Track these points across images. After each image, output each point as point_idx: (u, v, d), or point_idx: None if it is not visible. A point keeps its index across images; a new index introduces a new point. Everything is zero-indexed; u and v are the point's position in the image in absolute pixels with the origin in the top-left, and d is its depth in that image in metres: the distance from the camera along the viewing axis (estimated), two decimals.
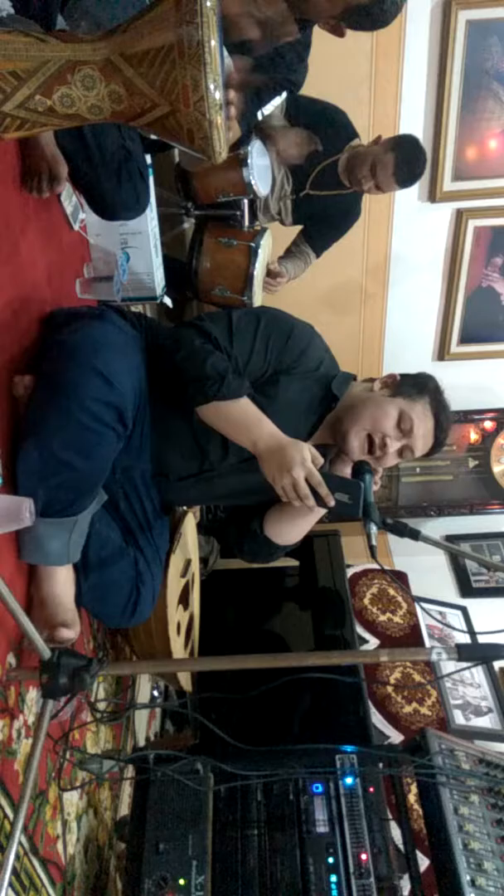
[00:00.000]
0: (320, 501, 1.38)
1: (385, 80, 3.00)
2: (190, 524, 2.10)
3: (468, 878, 1.37)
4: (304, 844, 1.52)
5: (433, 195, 3.27)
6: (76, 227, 1.75)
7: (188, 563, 2.09)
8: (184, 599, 2.03)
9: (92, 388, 1.28)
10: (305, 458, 1.37)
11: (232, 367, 1.47)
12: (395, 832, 1.66)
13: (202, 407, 1.46)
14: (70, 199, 1.68)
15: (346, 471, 1.58)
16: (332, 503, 1.38)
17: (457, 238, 3.41)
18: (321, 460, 1.40)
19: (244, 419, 1.45)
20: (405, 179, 2.51)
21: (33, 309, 1.48)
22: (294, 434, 1.46)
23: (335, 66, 2.65)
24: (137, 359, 1.46)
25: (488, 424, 3.99)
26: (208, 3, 0.86)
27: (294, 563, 3.13)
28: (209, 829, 1.49)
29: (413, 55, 2.96)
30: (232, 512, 1.80)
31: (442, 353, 3.77)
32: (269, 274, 2.67)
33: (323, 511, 1.50)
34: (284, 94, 2.22)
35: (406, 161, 2.47)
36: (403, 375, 1.66)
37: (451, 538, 3.99)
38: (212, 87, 0.89)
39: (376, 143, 2.53)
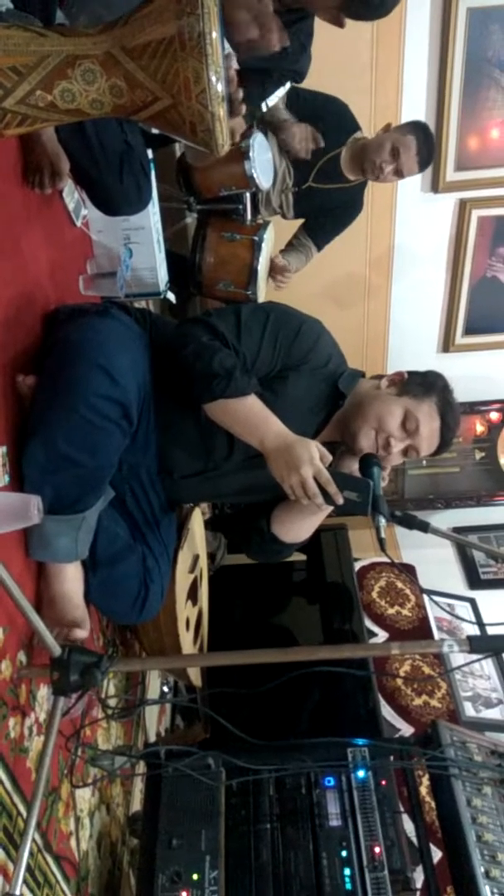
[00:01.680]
0: (329, 500, 1.37)
1: (386, 70, 2.98)
2: (197, 519, 2.10)
3: (482, 869, 1.37)
4: (318, 838, 1.51)
5: (436, 185, 3.25)
6: (79, 223, 1.74)
7: (196, 558, 2.09)
8: (192, 595, 2.03)
9: (96, 385, 1.27)
10: (314, 456, 1.36)
11: (240, 363, 1.46)
12: (408, 825, 1.66)
13: (209, 405, 1.45)
14: (72, 195, 1.67)
15: (354, 467, 1.56)
16: (340, 501, 1.37)
17: (460, 228, 3.39)
18: (329, 458, 1.39)
19: (252, 417, 1.44)
20: (426, 161, 2.52)
21: (37, 306, 1.48)
22: (301, 431, 1.45)
23: (336, 56, 2.63)
24: (142, 355, 1.46)
25: (494, 416, 3.97)
26: None
27: (302, 557, 3.13)
28: (222, 824, 1.49)
29: (414, 44, 2.94)
30: (239, 510, 1.80)
31: (447, 345, 3.75)
32: (276, 269, 2.66)
33: (330, 508, 1.49)
34: (288, 85, 2.21)
35: (426, 142, 2.48)
36: (411, 373, 1.64)
37: (459, 530, 3.96)
38: (213, 78, 0.88)
39: (386, 130, 2.51)
